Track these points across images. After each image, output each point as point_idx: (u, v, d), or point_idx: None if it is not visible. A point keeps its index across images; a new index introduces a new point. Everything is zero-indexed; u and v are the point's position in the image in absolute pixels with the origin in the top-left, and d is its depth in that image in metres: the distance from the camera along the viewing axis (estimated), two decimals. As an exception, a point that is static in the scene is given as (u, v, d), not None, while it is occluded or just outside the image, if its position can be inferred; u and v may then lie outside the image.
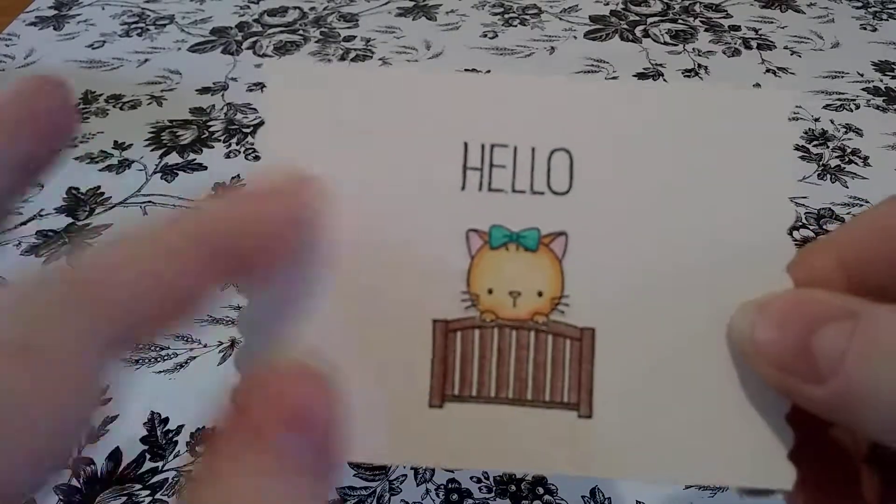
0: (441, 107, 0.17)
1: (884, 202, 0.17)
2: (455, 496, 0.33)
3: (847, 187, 0.50)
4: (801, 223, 0.47)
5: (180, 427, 0.35)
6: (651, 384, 0.16)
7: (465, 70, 0.63)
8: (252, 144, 0.54)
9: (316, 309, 0.16)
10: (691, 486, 0.33)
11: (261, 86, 0.17)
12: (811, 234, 0.47)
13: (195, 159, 0.53)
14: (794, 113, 0.57)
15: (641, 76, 0.62)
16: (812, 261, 0.16)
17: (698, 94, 0.17)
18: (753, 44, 0.67)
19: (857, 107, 0.58)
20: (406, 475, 0.33)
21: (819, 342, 0.13)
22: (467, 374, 0.16)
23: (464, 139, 0.16)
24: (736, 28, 0.70)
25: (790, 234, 0.16)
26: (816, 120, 0.57)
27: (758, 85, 0.61)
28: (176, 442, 0.35)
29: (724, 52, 0.66)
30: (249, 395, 0.13)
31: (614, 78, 0.62)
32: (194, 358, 0.38)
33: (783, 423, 0.16)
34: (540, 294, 0.16)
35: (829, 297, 0.14)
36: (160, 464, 0.34)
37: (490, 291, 0.16)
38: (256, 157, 0.16)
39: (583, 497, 0.33)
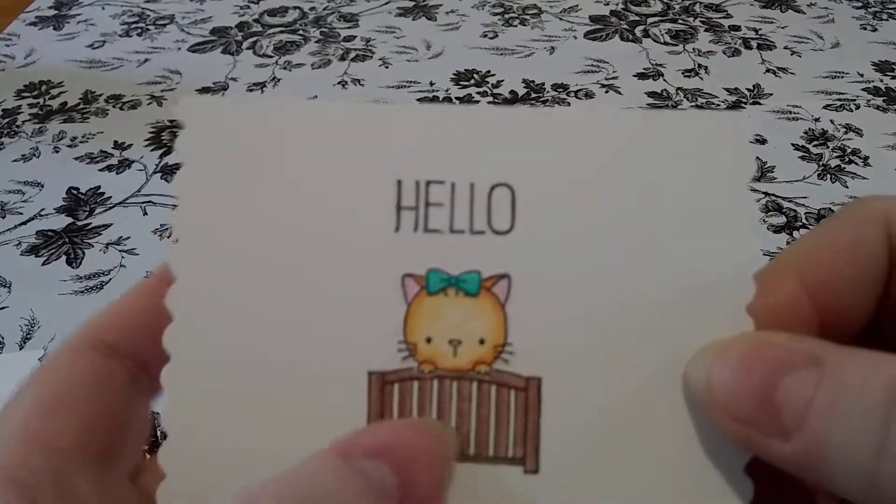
0: (371, 142, 0.15)
1: (843, 214, 0.16)
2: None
3: (847, 187, 0.50)
4: (801, 223, 0.47)
5: (180, 427, 0.35)
6: (601, 436, 0.15)
7: (465, 71, 0.63)
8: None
9: (246, 360, 0.15)
10: None
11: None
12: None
13: (195, 159, 0.53)
14: (791, 113, 0.57)
15: (641, 76, 0.62)
16: (775, 289, 0.15)
17: (649, 120, 0.16)
18: (753, 44, 0.67)
19: (857, 107, 0.58)
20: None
21: (783, 393, 0.12)
22: None
23: (396, 176, 0.15)
24: (736, 28, 0.70)
25: (752, 269, 0.15)
26: (816, 120, 0.57)
27: (757, 86, 0.61)
28: (176, 442, 0.35)
29: (724, 52, 0.66)
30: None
31: (614, 78, 0.62)
32: (194, 358, 0.38)
33: (742, 475, 0.15)
34: (482, 342, 0.15)
35: (792, 342, 0.13)
36: (160, 464, 0.34)
37: (429, 340, 0.15)
38: (173, 206, 0.15)
39: None
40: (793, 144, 0.54)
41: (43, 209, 0.48)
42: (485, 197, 0.15)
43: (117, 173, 0.51)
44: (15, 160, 0.52)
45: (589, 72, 0.63)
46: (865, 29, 0.70)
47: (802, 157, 0.53)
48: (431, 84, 0.61)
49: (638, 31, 0.69)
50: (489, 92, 0.61)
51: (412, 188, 0.15)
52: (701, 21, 0.71)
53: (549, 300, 0.15)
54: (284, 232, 0.15)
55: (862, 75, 0.62)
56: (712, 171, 0.15)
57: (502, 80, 0.62)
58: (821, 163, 0.52)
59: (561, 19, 0.71)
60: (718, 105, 0.59)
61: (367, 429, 0.13)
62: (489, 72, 0.63)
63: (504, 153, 0.15)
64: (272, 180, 0.15)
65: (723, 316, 0.15)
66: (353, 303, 0.15)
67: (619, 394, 0.15)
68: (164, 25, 0.70)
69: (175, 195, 0.15)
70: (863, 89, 0.60)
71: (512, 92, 0.61)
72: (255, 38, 0.68)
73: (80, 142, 0.54)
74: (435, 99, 0.61)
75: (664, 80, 0.62)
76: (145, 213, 0.48)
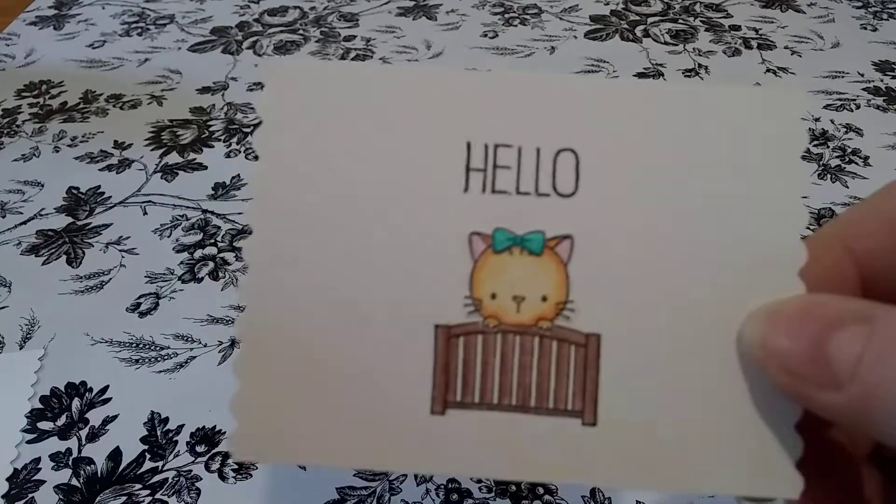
0: (443, 105, 0.16)
1: (888, 187, 0.16)
2: (455, 496, 0.33)
3: (847, 187, 0.50)
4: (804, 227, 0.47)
5: (180, 427, 0.35)
6: (657, 391, 0.16)
7: (466, 69, 0.63)
8: (252, 144, 0.53)
9: (316, 312, 0.16)
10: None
11: (260, 85, 0.16)
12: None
13: (195, 159, 0.52)
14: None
15: (642, 76, 0.62)
16: (821, 256, 0.16)
17: (707, 93, 0.16)
18: (754, 44, 0.67)
19: (858, 107, 0.58)
20: (406, 475, 0.33)
21: (834, 347, 0.13)
22: (470, 380, 0.16)
23: (467, 139, 0.16)
24: (736, 28, 0.70)
25: (803, 237, 0.16)
26: (816, 120, 0.57)
27: (757, 85, 0.61)
28: (176, 442, 0.35)
29: (724, 52, 0.66)
30: None
31: (614, 78, 0.62)
32: (194, 358, 0.38)
33: (792, 431, 0.15)
34: (544, 299, 0.16)
35: (842, 302, 0.14)
36: (160, 464, 0.34)
37: (493, 296, 0.16)
38: (255, 157, 0.16)
39: (583, 497, 0.33)
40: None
41: (43, 209, 0.48)
42: (550, 161, 0.16)
43: (117, 173, 0.51)
44: (15, 160, 0.52)
45: (589, 71, 0.63)
46: (865, 29, 0.70)
47: (802, 157, 0.53)
48: (431, 84, 0.61)
49: (638, 30, 0.69)
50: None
51: (481, 151, 0.16)
52: (701, 21, 0.71)
53: (609, 261, 0.16)
54: (358, 190, 0.16)
55: (862, 75, 0.62)
56: (766, 142, 0.16)
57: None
58: (821, 163, 0.52)
59: (561, 19, 0.71)
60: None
61: None
62: (489, 71, 0.63)
63: (569, 120, 0.16)
64: (347, 139, 0.16)
65: (776, 279, 0.15)
66: (422, 259, 0.16)
67: (674, 352, 0.16)
68: (164, 25, 0.70)
69: (256, 150, 0.16)
70: (863, 89, 0.60)
71: (512, 92, 0.61)
72: (255, 38, 0.68)
73: (80, 141, 0.54)
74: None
75: (664, 80, 0.62)
76: (145, 213, 0.48)
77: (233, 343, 0.39)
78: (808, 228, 0.47)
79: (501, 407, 0.16)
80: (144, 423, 0.35)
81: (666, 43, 0.67)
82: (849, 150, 0.53)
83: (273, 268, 0.16)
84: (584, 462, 0.16)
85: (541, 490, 0.33)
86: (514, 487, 0.33)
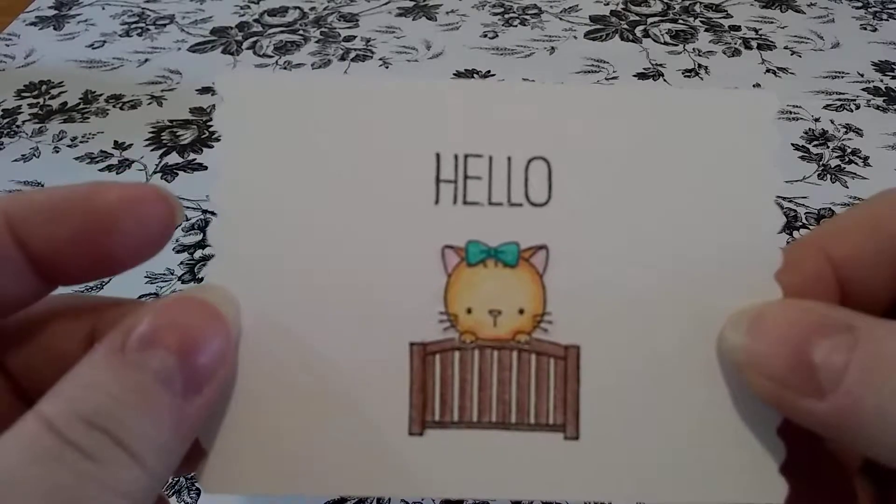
0: (410, 116, 0.16)
1: (874, 198, 0.16)
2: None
3: (847, 187, 0.50)
4: (801, 223, 0.47)
5: (180, 427, 0.35)
6: (639, 401, 0.15)
7: (465, 71, 0.63)
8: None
9: (286, 335, 0.15)
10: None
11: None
12: (805, 233, 0.47)
13: (195, 159, 0.52)
14: (791, 113, 0.57)
15: (641, 76, 0.62)
16: (802, 263, 0.16)
17: (678, 98, 0.16)
18: (753, 44, 0.67)
19: (857, 107, 0.58)
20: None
21: (819, 355, 0.13)
22: (448, 398, 0.15)
23: (436, 150, 0.16)
24: (736, 28, 0.70)
25: (780, 238, 0.15)
26: (816, 120, 0.57)
27: (757, 86, 0.61)
28: (176, 442, 0.35)
29: (724, 52, 0.66)
30: (137, 313, 0.13)
31: (614, 78, 0.62)
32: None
33: (774, 436, 0.15)
34: (521, 311, 0.15)
35: (825, 309, 0.14)
36: (160, 464, 0.34)
37: (469, 311, 0.15)
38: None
39: (583, 497, 0.33)
40: (793, 144, 0.54)
41: (43, 209, 0.48)
42: (522, 170, 0.16)
43: (117, 173, 0.51)
44: (15, 160, 0.52)
45: (589, 72, 0.63)
46: (865, 29, 0.70)
47: (802, 157, 0.53)
48: (431, 84, 0.61)
49: (638, 31, 0.69)
50: (489, 92, 0.61)
51: (451, 161, 0.16)
52: (701, 21, 0.71)
53: (585, 270, 0.15)
54: (324, 205, 0.15)
55: (862, 75, 0.62)
56: (738, 147, 0.16)
57: (502, 81, 0.62)
58: (821, 163, 0.52)
59: (561, 19, 0.71)
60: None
61: (139, 317, 0.13)
62: (489, 72, 0.63)
63: (540, 128, 0.16)
64: (312, 153, 0.15)
65: (752, 283, 0.15)
66: (395, 275, 0.15)
67: (654, 360, 0.15)
68: (164, 25, 0.70)
69: (215, 169, 0.15)
70: (863, 89, 0.60)
71: (512, 92, 0.60)
72: (255, 38, 0.68)
73: (80, 142, 0.54)
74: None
75: (664, 80, 0.62)
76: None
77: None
78: (808, 229, 0.47)
79: (482, 425, 0.15)
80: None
81: (666, 43, 0.67)
82: (849, 151, 0.53)
83: (238, 289, 0.15)
84: (569, 477, 0.15)
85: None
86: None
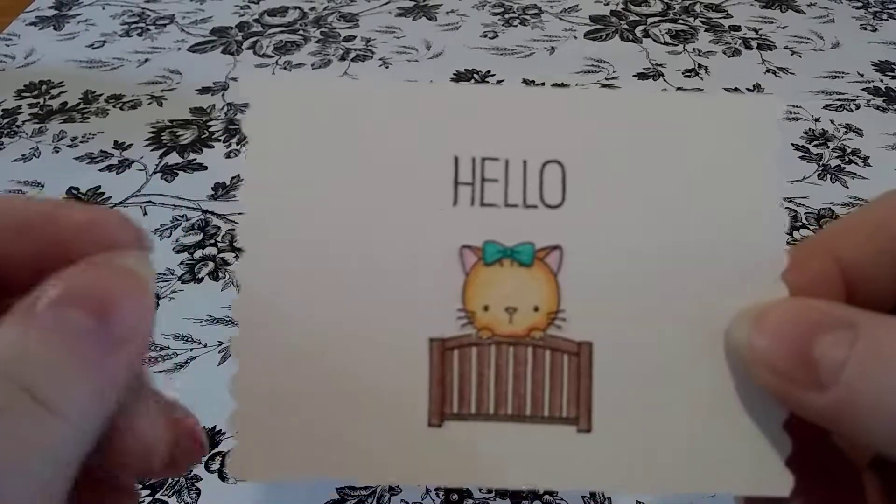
0: (430, 120, 0.16)
1: (879, 199, 0.17)
2: (455, 496, 0.33)
3: (847, 187, 0.50)
4: (801, 223, 0.47)
5: (180, 427, 0.35)
6: (649, 395, 0.16)
7: (465, 71, 0.63)
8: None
9: (310, 330, 0.16)
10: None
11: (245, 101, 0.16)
12: (811, 234, 0.47)
13: (195, 159, 0.53)
14: (791, 113, 0.57)
15: (641, 76, 0.62)
16: (808, 263, 0.16)
17: (686, 101, 0.17)
18: (753, 44, 0.67)
19: (857, 107, 0.58)
20: (406, 475, 0.33)
21: (819, 350, 0.13)
22: (465, 392, 0.16)
23: (454, 153, 0.16)
24: (736, 28, 0.70)
25: (786, 239, 0.16)
26: (816, 120, 0.57)
27: (758, 86, 0.61)
28: (176, 442, 0.35)
29: (724, 52, 0.66)
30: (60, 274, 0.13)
31: (614, 78, 0.62)
32: (194, 358, 0.38)
33: (780, 430, 0.16)
34: (536, 309, 0.16)
35: (828, 307, 0.14)
36: (160, 464, 0.34)
37: (486, 308, 0.16)
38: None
39: (583, 497, 0.33)
40: (793, 144, 0.54)
41: (43, 209, 0.48)
42: (537, 173, 0.16)
43: (117, 173, 0.51)
44: (15, 160, 0.52)
45: (589, 72, 0.63)
46: (865, 29, 0.70)
47: (802, 157, 0.53)
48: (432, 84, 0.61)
49: (638, 31, 0.69)
50: (489, 92, 0.61)
51: (469, 165, 0.16)
52: (701, 21, 0.71)
53: (598, 269, 0.16)
54: (347, 205, 0.16)
55: (862, 75, 0.62)
56: (745, 149, 0.16)
57: (502, 81, 0.62)
58: (821, 163, 0.52)
59: (561, 19, 0.71)
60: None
61: (57, 280, 0.13)
62: (489, 72, 0.63)
63: (554, 131, 0.16)
64: (335, 156, 0.16)
65: (759, 283, 0.16)
66: (414, 273, 0.16)
67: (663, 356, 0.16)
68: (164, 25, 0.70)
69: (242, 170, 0.16)
70: (863, 89, 0.60)
71: (512, 92, 0.60)
72: (255, 38, 0.68)
73: (81, 142, 0.54)
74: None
75: (664, 80, 0.62)
76: (145, 213, 0.48)
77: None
78: (808, 228, 0.47)
79: (498, 417, 0.16)
80: (144, 424, 0.35)
81: (666, 43, 0.67)
82: (849, 151, 0.53)
83: (265, 286, 0.16)
84: (581, 468, 0.16)
85: (540, 490, 0.33)
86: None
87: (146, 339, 0.14)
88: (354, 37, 0.68)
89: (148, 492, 0.33)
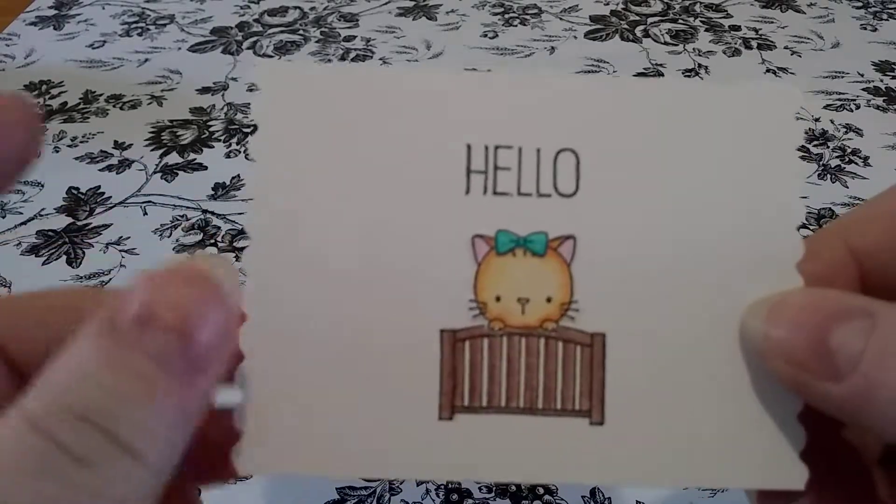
0: (442, 107, 0.16)
1: (893, 188, 0.17)
2: (455, 496, 0.33)
3: (847, 187, 0.50)
4: (801, 223, 0.47)
5: (180, 427, 0.35)
6: (662, 388, 0.16)
7: (466, 70, 0.63)
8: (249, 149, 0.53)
9: (319, 321, 0.16)
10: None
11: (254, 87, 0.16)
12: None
13: (195, 159, 0.52)
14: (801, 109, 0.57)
15: (642, 76, 0.62)
16: (823, 253, 0.16)
17: (704, 91, 0.16)
18: (754, 44, 0.67)
19: (858, 107, 0.58)
20: (406, 475, 0.33)
21: (836, 339, 0.13)
22: (477, 384, 0.16)
23: (466, 141, 0.16)
24: (736, 28, 0.70)
25: (800, 229, 0.16)
26: (816, 120, 0.57)
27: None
28: (176, 442, 0.35)
29: (724, 52, 0.66)
30: (132, 286, 0.12)
31: (613, 76, 0.62)
32: (194, 358, 0.38)
33: (795, 422, 0.15)
34: (549, 300, 0.16)
35: (844, 296, 0.14)
36: (160, 464, 0.34)
37: (498, 299, 0.16)
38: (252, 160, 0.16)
39: (583, 497, 0.33)
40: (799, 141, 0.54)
41: (43, 209, 0.48)
42: (550, 161, 0.16)
43: (117, 173, 0.51)
44: (15, 160, 0.52)
45: (589, 72, 0.63)
46: (865, 29, 0.70)
47: (802, 157, 0.53)
48: (431, 84, 0.61)
49: (638, 31, 0.69)
50: (489, 92, 0.61)
51: (481, 153, 0.16)
52: (701, 21, 0.71)
53: (612, 259, 0.16)
54: (358, 194, 0.16)
55: (862, 75, 0.62)
56: (763, 139, 0.16)
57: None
58: (821, 163, 0.52)
59: (561, 19, 0.71)
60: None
61: (129, 293, 0.12)
62: (489, 72, 0.63)
63: (568, 119, 0.16)
64: (345, 144, 0.16)
65: (774, 273, 0.15)
66: (426, 263, 0.16)
67: (677, 348, 0.16)
68: (164, 25, 0.70)
69: (252, 156, 0.16)
70: (863, 89, 0.60)
71: (512, 92, 0.61)
72: (255, 38, 0.68)
73: (81, 142, 0.54)
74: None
75: (663, 78, 0.62)
76: (145, 213, 0.48)
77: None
78: (808, 228, 0.47)
79: (510, 410, 0.16)
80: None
81: (666, 43, 0.67)
82: (849, 151, 0.53)
83: (273, 276, 0.16)
84: (594, 461, 0.16)
85: (541, 490, 0.33)
86: (514, 487, 0.33)
87: (231, 355, 0.13)
88: (354, 37, 0.68)
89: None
